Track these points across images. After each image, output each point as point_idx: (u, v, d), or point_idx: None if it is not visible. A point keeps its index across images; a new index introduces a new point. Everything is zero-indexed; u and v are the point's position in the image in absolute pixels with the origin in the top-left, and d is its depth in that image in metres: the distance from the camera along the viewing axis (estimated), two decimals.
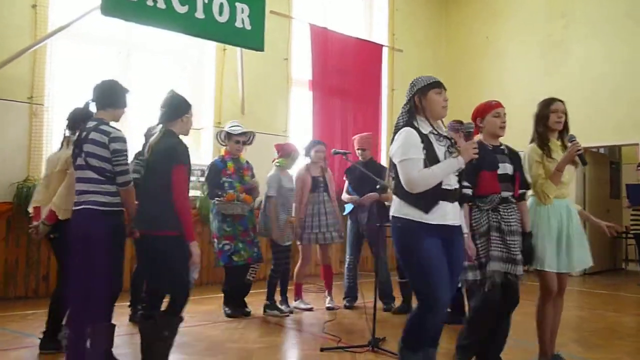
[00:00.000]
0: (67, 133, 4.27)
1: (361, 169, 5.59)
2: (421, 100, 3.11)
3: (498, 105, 3.62)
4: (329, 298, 6.14)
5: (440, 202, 3.00)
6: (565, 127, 3.83)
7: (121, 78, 7.00)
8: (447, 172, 3.01)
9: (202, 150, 8.04)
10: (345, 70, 9.39)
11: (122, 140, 3.64)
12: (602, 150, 10.54)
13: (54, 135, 6.58)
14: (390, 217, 3.13)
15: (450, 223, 3.04)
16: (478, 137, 3.64)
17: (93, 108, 3.83)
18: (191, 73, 7.97)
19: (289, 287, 5.93)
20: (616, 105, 8.89)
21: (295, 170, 6.09)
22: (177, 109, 3.54)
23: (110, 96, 3.77)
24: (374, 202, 5.98)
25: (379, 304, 5.94)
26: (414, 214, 2.99)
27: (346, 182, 6.34)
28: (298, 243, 5.97)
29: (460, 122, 4.96)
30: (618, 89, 8.88)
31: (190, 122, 3.63)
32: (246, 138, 5.66)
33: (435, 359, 3.13)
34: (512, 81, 9.96)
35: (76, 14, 6.09)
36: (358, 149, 6.29)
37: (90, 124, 3.69)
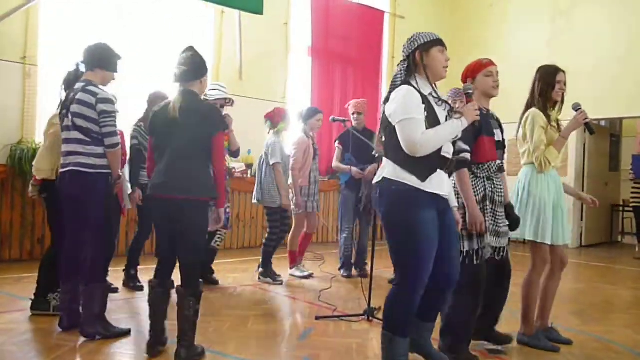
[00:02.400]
0: (63, 96, 4.18)
1: (359, 136, 5.48)
2: (422, 57, 2.90)
3: (490, 63, 3.42)
4: (296, 269, 6.04)
5: (438, 170, 2.85)
6: (562, 98, 3.75)
7: (116, 40, 6.88)
8: (452, 134, 2.85)
9: None
10: (346, 37, 9.21)
11: (110, 101, 3.57)
12: (602, 123, 10.44)
13: (48, 96, 6.47)
14: (377, 180, 2.91)
15: (444, 194, 2.91)
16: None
17: (83, 69, 3.74)
18: (188, 37, 7.76)
19: (283, 256, 5.90)
20: (620, 77, 8.74)
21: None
22: (198, 69, 3.34)
23: (101, 58, 3.69)
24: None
25: (356, 272, 6.02)
26: (411, 180, 2.79)
27: (338, 150, 6.21)
28: (297, 211, 5.89)
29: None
30: (623, 61, 8.72)
31: (206, 84, 3.50)
32: (222, 103, 5.36)
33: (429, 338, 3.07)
34: (516, 49, 9.76)
35: None
36: (354, 114, 6.17)
37: (79, 85, 3.62)
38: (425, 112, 2.80)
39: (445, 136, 2.84)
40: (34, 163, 4.18)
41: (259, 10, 6.71)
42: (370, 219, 6.00)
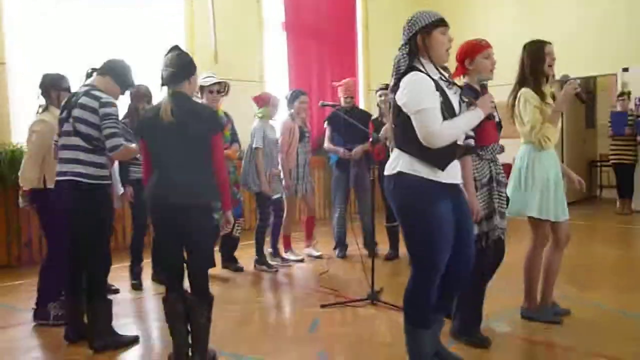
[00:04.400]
0: (40, 100, 4.08)
1: (347, 119, 5.44)
2: (424, 40, 2.78)
3: (488, 45, 3.36)
4: (311, 248, 6.15)
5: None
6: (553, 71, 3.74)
7: (85, 32, 6.68)
8: (470, 125, 2.84)
9: None
10: (319, 9, 9.04)
11: (113, 105, 3.49)
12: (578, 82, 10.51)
13: (21, 96, 6.25)
14: (392, 173, 2.83)
15: (458, 182, 2.91)
16: (462, 80, 3.46)
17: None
18: (159, 23, 7.54)
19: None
20: (593, 37, 8.82)
21: (278, 119, 5.93)
22: (185, 69, 3.19)
23: (115, 69, 3.61)
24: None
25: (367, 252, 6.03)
26: (427, 172, 2.73)
27: (328, 131, 6.18)
28: (287, 194, 5.86)
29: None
30: (598, 23, 8.79)
31: (196, 83, 3.40)
32: (221, 87, 5.33)
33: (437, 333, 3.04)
34: (485, 22, 9.68)
35: None
36: (345, 97, 6.11)
37: (82, 88, 3.54)
38: (440, 99, 2.74)
39: (463, 127, 2.82)
40: (19, 173, 4.09)
41: None
42: (367, 197, 5.95)
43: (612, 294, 4.44)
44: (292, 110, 5.88)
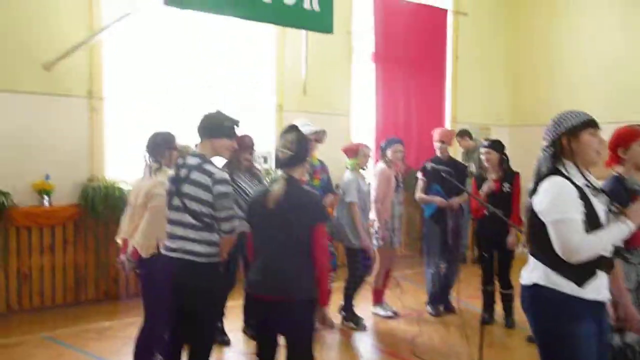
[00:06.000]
0: (148, 159, 3.90)
1: (447, 177, 5.08)
2: (570, 142, 2.54)
3: None
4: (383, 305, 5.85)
5: (597, 272, 2.50)
6: None
7: (178, 68, 6.67)
8: (616, 240, 2.52)
9: (263, 134, 7.57)
10: (409, 39, 8.70)
11: (227, 182, 3.32)
12: None
13: (116, 131, 6.30)
14: (527, 283, 2.60)
15: (604, 299, 2.58)
16: (614, 170, 3.14)
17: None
18: (250, 54, 7.46)
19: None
20: None
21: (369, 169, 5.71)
22: (303, 155, 3.10)
23: (210, 127, 3.40)
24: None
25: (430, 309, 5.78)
26: (567, 286, 2.47)
27: (421, 181, 5.87)
28: (381, 245, 5.59)
29: None
30: None
31: (307, 166, 3.30)
32: (318, 136, 5.18)
33: None
34: (586, 41, 9.11)
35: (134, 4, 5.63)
36: (439, 142, 5.83)
37: (192, 160, 3.35)
38: (584, 210, 2.45)
39: (608, 243, 2.50)
40: (126, 233, 3.89)
41: (329, 29, 6.33)
42: (457, 255, 5.73)
43: None
44: (387, 158, 5.64)
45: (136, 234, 3.79)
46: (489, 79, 9.95)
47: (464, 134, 8.16)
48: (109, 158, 6.27)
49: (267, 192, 3.05)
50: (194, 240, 3.29)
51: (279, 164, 3.10)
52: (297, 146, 3.04)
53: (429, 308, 5.86)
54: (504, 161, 5.36)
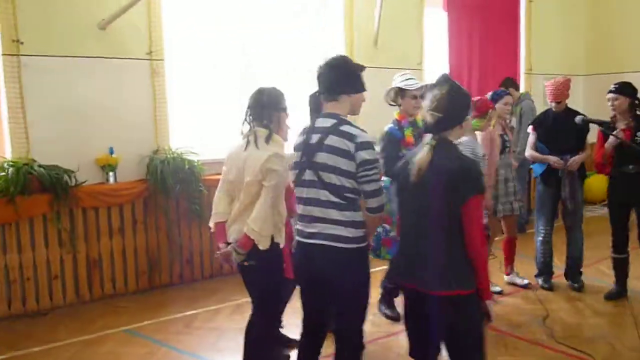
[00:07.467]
0: (250, 123, 3.07)
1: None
2: None
3: None
4: (514, 274, 5.28)
5: None
6: None
7: (245, 22, 5.95)
8: None
9: None
10: None
11: (372, 146, 2.66)
12: None
13: (178, 96, 5.65)
14: None
15: None
16: None
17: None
18: (319, 9, 6.72)
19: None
20: None
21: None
22: (461, 112, 2.51)
23: (342, 80, 2.72)
24: None
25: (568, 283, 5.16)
26: None
27: (532, 136, 5.17)
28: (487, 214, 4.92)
29: None
30: None
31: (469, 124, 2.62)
32: (421, 92, 4.46)
33: None
34: None
35: None
36: (552, 102, 5.07)
37: (325, 122, 2.69)
38: None
39: None
40: (249, 221, 2.91)
41: None
42: (577, 221, 5.06)
43: None
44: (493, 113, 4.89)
45: (252, 222, 2.92)
46: (568, 24, 9.08)
47: (508, 84, 7.31)
48: (173, 126, 5.62)
49: (414, 158, 2.46)
50: (338, 222, 2.66)
51: (429, 128, 2.49)
52: (449, 104, 2.45)
53: (538, 280, 5.23)
54: (635, 107, 4.64)
